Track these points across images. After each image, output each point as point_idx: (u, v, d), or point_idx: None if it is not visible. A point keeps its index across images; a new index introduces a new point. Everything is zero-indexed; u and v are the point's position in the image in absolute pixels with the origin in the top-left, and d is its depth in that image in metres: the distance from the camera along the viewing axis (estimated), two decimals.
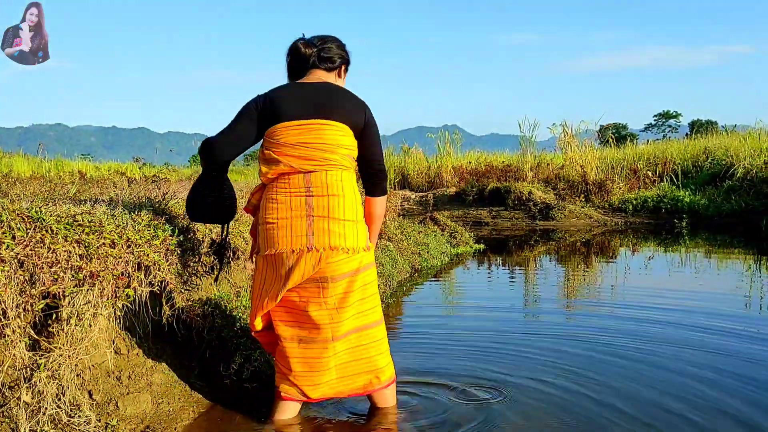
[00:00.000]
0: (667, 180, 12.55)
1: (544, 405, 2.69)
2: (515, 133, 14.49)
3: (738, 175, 11.16)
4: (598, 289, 5.51)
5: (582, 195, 12.13)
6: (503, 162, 14.83)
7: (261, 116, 2.42)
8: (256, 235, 2.55)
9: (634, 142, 18.81)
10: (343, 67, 2.63)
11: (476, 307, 4.76)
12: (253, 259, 2.59)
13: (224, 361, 2.90)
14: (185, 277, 2.96)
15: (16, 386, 2.18)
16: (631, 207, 11.46)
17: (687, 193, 11.42)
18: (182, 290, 2.75)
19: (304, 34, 2.58)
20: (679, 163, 13.47)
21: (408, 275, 6.03)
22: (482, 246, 8.11)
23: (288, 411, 2.51)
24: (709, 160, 13.14)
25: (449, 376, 3.07)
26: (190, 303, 3.10)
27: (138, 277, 2.54)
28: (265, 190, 2.50)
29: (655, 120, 67.78)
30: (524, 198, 11.85)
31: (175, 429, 2.41)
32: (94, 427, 2.25)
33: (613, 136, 15.41)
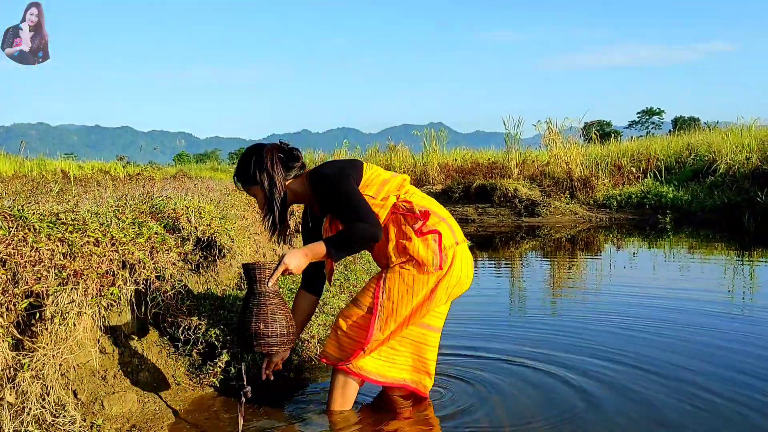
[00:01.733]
0: (650, 176, 12.66)
1: (626, 383, 2.87)
2: (500, 130, 14.54)
3: (720, 170, 11.27)
4: (595, 280, 5.55)
5: (567, 191, 12.20)
6: (489, 159, 14.87)
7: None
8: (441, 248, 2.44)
9: (618, 138, 18.95)
10: None
11: (480, 297, 4.80)
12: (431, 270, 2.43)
13: (210, 359, 2.88)
14: (170, 275, 2.94)
15: None
16: (615, 203, 11.54)
17: (670, 189, 11.52)
18: (167, 289, 2.72)
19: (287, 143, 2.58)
20: (663, 159, 13.58)
21: None
22: (468, 242, 8.14)
23: (353, 393, 2.55)
24: (692, 156, 13.27)
25: (512, 355, 3.33)
26: (175, 301, 3.08)
27: (123, 275, 2.52)
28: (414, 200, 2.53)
29: (638, 117, 68.37)
30: (510, 195, 11.90)
31: (161, 428, 2.40)
32: (80, 426, 2.23)
33: (597, 133, 15.51)
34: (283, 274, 2.36)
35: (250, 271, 2.36)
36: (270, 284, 2.35)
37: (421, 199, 2.55)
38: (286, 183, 2.50)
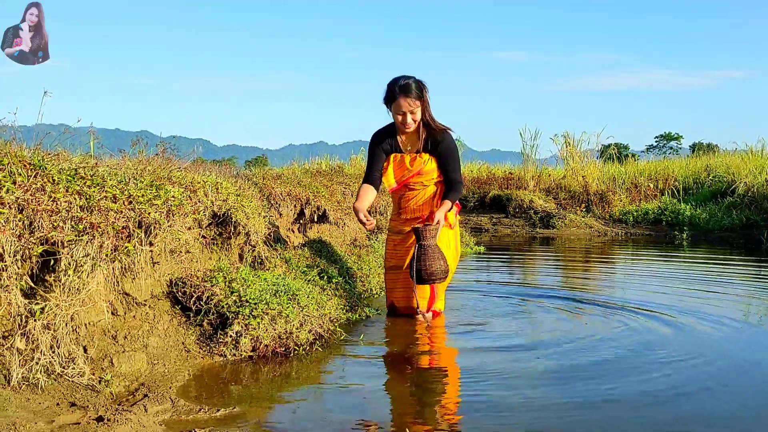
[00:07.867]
0: (668, 194, 12.53)
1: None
2: (516, 149, 14.42)
3: (739, 191, 11.14)
4: (615, 288, 5.47)
5: (583, 205, 12.09)
6: (506, 171, 14.81)
7: None
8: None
9: (636, 160, 18.79)
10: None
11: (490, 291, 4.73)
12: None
13: (222, 329, 2.86)
14: (185, 241, 2.92)
15: (10, 336, 2.14)
16: (631, 218, 11.42)
17: (688, 207, 11.39)
18: (182, 251, 2.71)
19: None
20: (681, 180, 13.44)
21: None
22: (482, 248, 8.08)
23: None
24: (710, 177, 13.12)
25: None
26: (189, 270, 3.06)
27: (138, 234, 2.51)
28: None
29: (656, 141, 67.93)
30: (525, 206, 11.82)
31: (170, 388, 2.36)
32: (88, 379, 2.21)
33: (616, 149, 15.40)
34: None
35: (421, 232, 3.44)
36: (435, 240, 3.46)
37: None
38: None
